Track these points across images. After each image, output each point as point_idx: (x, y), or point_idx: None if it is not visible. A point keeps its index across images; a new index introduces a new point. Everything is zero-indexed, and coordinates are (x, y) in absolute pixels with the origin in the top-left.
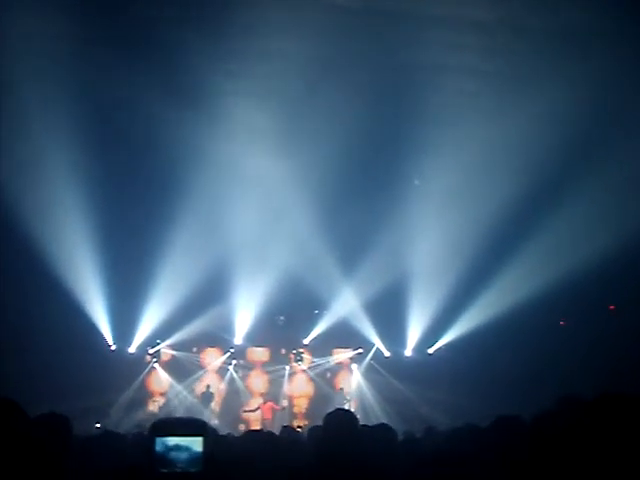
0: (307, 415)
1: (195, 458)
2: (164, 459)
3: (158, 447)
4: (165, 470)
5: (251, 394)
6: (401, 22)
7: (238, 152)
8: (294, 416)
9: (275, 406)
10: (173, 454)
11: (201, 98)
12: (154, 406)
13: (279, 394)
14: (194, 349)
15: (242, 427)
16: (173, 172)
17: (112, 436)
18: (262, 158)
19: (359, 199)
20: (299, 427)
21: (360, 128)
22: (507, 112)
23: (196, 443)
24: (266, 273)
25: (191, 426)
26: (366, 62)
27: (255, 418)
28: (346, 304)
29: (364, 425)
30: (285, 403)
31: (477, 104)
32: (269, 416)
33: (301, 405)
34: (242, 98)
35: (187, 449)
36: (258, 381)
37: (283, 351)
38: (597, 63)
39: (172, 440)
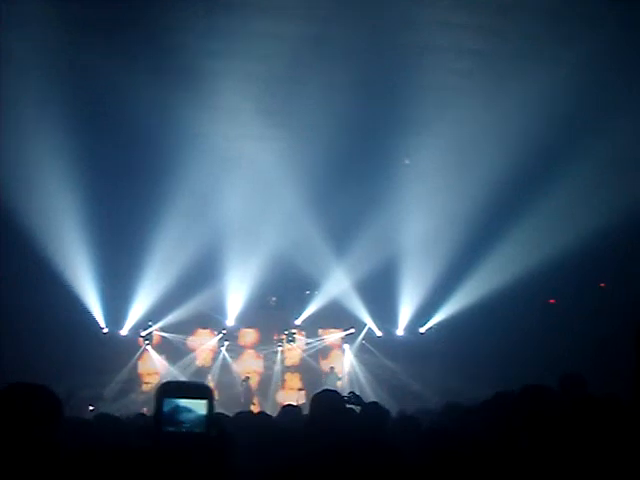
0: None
1: (199, 419)
2: (171, 419)
3: (166, 407)
4: (171, 429)
5: (244, 375)
6: (391, 1)
7: (227, 133)
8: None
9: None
10: (179, 415)
11: (189, 79)
12: (147, 388)
13: (272, 374)
14: (186, 331)
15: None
16: (162, 154)
17: (106, 419)
18: (252, 140)
19: (350, 179)
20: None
21: (350, 108)
22: (500, 92)
23: (201, 406)
24: (257, 254)
25: (197, 389)
26: (356, 42)
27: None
28: (338, 284)
29: (357, 399)
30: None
31: (469, 84)
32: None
33: (294, 386)
34: (230, 79)
35: (192, 411)
36: (251, 362)
37: (275, 332)
38: (592, 44)
39: (179, 402)
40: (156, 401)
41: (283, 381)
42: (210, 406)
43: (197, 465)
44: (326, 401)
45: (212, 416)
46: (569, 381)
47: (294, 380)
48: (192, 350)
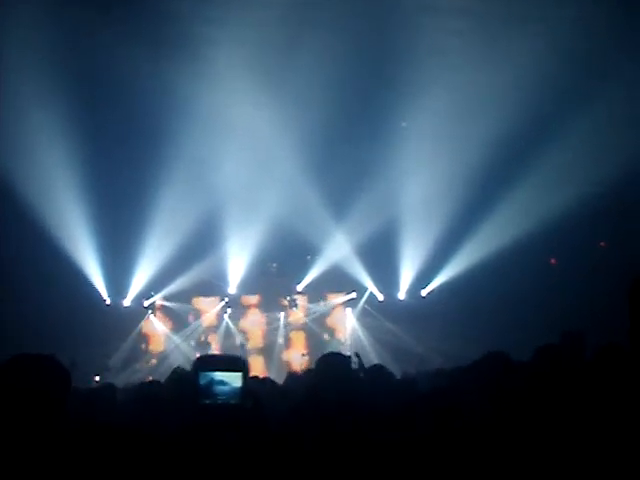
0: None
1: (235, 391)
2: (207, 392)
3: (202, 381)
4: (208, 401)
5: (247, 341)
6: None
7: (225, 101)
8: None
9: None
10: (215, 387)
11: (185, 47)
12: (152, 357)
13: (275, 340)
14: (189, 299)
15: None
16: (160, 122)
17: (111, 389)
18: (249, 107)
19: (348, 144)
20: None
21: (347, 72)
22: (497, 52)
23: (236, 378)
24: (257, 221)
25: (232, 362)
26: (351, 5)
27: (253, 364)
28: (338, 249)
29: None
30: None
31: (466, 45)
32: None
33: (297, 350)
34: (227, 46)
35: (227, 384)
36: (254, 328)
37: (277, 298)
38: (586, 6)
39: (214, 375)
40: (192, 375)
41: (288, 340)
42: (245, 378)
43: (233, 435)
44: (333, 364)
45: (247, 388)
46: (569, 337)
47: (299, 339)
48: (195, 318)
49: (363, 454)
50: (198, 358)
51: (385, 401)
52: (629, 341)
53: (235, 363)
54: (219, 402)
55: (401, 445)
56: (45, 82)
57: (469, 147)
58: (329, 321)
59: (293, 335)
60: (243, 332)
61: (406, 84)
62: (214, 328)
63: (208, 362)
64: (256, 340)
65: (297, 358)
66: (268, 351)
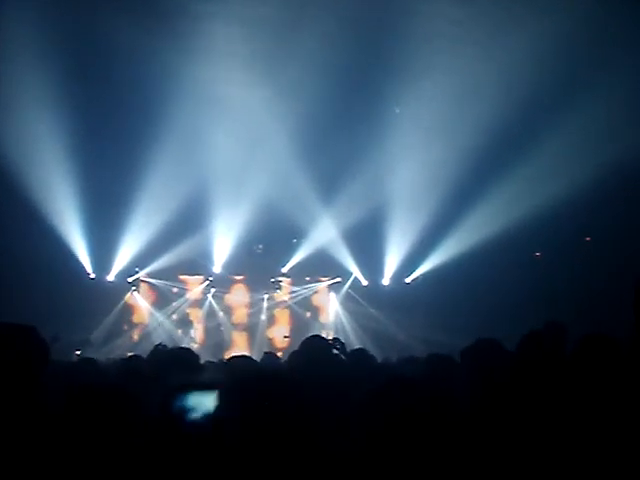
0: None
1: (209, 417)
2: (181, 419)
3: (176, 405)
4: (182, 424)
5: (230, 321)
6: None
7: (216, 79)
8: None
9: None
10: (189, 414)
11: (176, 22)
12: (134, 334)
13: (258, 321)
14: (173, 277)
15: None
16: (149, 98)
17: (92, 362)
18: (241, 86)
19: (339, 127)
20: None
21: (341, 56)
22: (493, 41)
23: (211, 400)
24: (244, 202)
25: (205, 382)
26: None
27: (235, 344)
28: (325, 233)
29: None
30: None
31: (462, 32)
32: None
33: (279, 332)
34: (220, 23)
35: (202, 408)
36: (237, 309)
37: (262, 279)
38: None
39: (190, 399)
40: (167, 398)
41: (272, 317)
42: (220, 398)
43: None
44: (316, 347)
45: (222, 408)
46: (552, 327)
47: (283, 316)
48: (179, 296)
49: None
50: (174, 383)
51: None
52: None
53: (209, 382)
54: (193, 423)
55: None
56: (36, 54)
57: (460, 137)
58: (313, 304)
59: (277, 313)
60: (227, 309)
61: (401, 70)
62: (197, 306)
63: (181, 383)
64: (240, 317)
65: (280, 337)
66: (252, 329)
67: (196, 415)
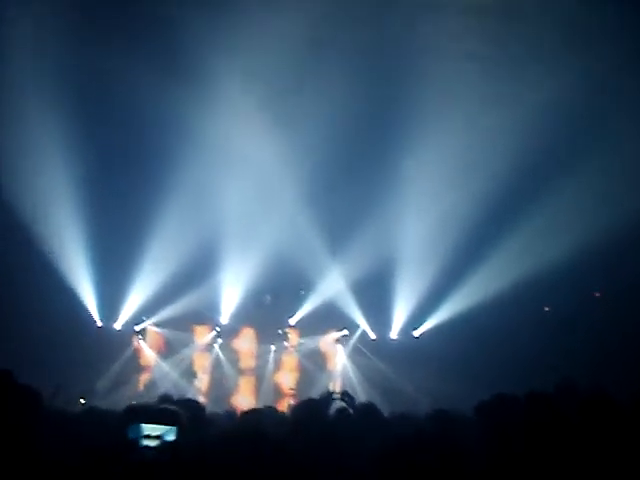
0: (292, 395)
1: (166, 447)
2: (136, 446)
3: (131, 433)
4: (136, 457)
5: (237, 372)
6: (398, 4)
7: (228, 129)
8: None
9: None
10: (144, 442)
11: (191, 74)
12: (140, 383)
13: (265, 373)
14: (180, 327)
15: (229, 404)
16: (161, 148)
17: (96, 413)
18: (252, 136)
19: (349, 180)
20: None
21: (352, 109)
22: (504, 99)
23: (170, 432)
24: (253, 252)
25: (165, 415)
26: (361, 44)
27: (241, 396)
28: (333, 285)
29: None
30: None
31: (473, 90)
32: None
33: (287, 385)
34: (233, 75)
35: (159, 438)
36: (244, 360)
37: (269, 331)
38: (595, 54)
39: (145, 428)
40: (121, 427)
41: (279, 368)
42: (180, 432)
43: None
44: (307, 412)
45: (182, 442)
46: (563, 386)
47: (290, 368)
48: (186, 346)
49: None
50: (128, 408)
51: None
52: None
53: (169, 415)
54: (148, 458)
55: None
56: (50, 102)
57: (470, 189)
58: (320, 357)
59: (284, 364)
60: (234, 360)
61: (411, 125)
62: (204, 356)
63: (139, 413)
64: (246, 368)
65: (286, 388)
66: (258, 380)
67: (155, 443)
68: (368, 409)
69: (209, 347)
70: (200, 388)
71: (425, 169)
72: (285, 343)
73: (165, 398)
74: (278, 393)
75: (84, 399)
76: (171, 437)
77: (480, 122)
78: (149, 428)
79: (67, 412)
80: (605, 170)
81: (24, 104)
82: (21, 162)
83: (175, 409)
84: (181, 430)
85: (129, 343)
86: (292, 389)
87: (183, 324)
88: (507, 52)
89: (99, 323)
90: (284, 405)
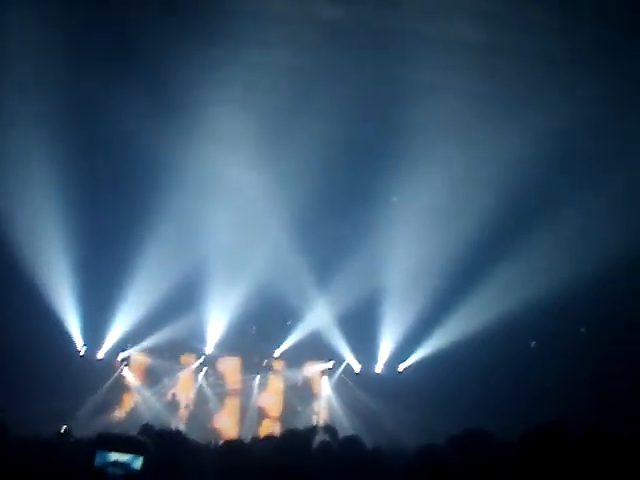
0: (276, 426)
1: (132, 476)
2: (101, 474)
3: (98, 460)
4: None
5: (221, 401)
6: (389, 38)
7: (216, 161)
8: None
9: None
10: (111, 469)
11: (181, 106)
12: (121, 411)
13: (249, 404)
14: (165, 356)
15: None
16: (149, 177)
17: (68, 440)
18: (240, 168)
19: (337, 213)
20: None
21: (341, 142)
22: (491, 133)
23: (136, 461)
24: (240, 282)
25: (133, 443)
26: (350, 77)
27: (224, 426)
28: (319, 317)
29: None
30: None
31: (462, 123)
32: None
33: (271, 415)
34: (222, 107)
35: (125, 466)
36: (228, 390)
37: (254, 361)
38: (586, 85)
39: (112, 455)
40: (88, 453)
41: (259, 411)
42: (147, 462)
43: None
44: (291, 444)
45: (148, 473)
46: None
47: (271, 410)
48: (170, 375)
49: None
50: (98, 435)
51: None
52: None
53: (137, 444)
54: None
55: None
56: (41, 130)
57: (455, 226)
58: (304, 388)
59: (267, 395)
60: (218, 390)
61: (401, 158)
62: (188, 386)
63: (108, 440)
64: (230, 398)
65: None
66: (242, 410)
67: (120, 472)
68: (352, 442)
69: (193, 376)
70: (183, 417)
71: (412, 205)
72: (270, 373)
73: (147, 428)
74: (262, 419)
75: (65, 426)
76: (137, 465)
77: (469, 157)
78: (116, 456)
79: (39, 439)
80: (595, 206)
81: (17, 133)
82: (8, 188)
83: (143, 439)
84: (148, 459)
85: (112, 371)
86: (276, 419)
87: (168, 353)
88: (499, 88)
89: (82, 351)
90: (267, 430)
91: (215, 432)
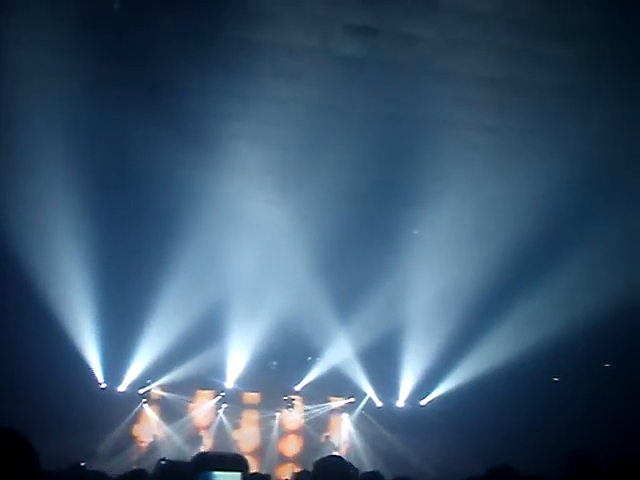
0: (297, 463)
1: None
2: None
3: None
4: None
5: (241, 438)
6: (407, 74)
7: (236, 195)
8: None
9: None
10: None
11: (203, 139)
12: (141, 447)
13: (269, 439)
14: (185, 391)
15: None
16: (169, 211)
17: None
18: (261, 202)
19: (357, 247)
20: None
21: (360, 177)
22: (511, 167)
23: (235, 478)
24: (260, 318)
25: (232, 460)
26: (369, 112)
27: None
28: (340, 352)
29: (354, 471)
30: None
31: (480, 157)
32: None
33: (291, 452)
34: (242, 141)
35: None
36: (248, 426)
37: (274, 396)
38: (601, 122)
39: (213, 475)
40: (192, 474)
41: (279, 446)
42: (244, 478)
43: None
44: (330, 466)
45: None
46: (577, 460)
47: (291, 446)
48: (190, 411)
49: None
50: (197, 457)
51: None
52: None
53: (235, 462)
54: None
55: None
56: (61, 162)
57: (477, 258)
58: (325, 425)
59: (289, 432)
60: (238, 426)
61: (420, 193)
62: (208, 422)
63: (207, 460)
64: (251, 435)
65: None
66: (262, 446)
67: None
68: (373, 478)
69: (213, 411)
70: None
71: (434, 238)
72: (290, 409)
73: (162, 464)
74: (282, 459)
75: (84, 463)
76: None
77: (488, 191)
78: (217, 475)
79: (60, 472)
80: (616, 239)
81: (35, 163)
82: (31, 223)
83: (240, 455)
84: (245, 476)
85: (132, 406)
86: (296, 458)
87: (188, 388)
88: (519, 122)
89: (103, 385)
90: (286, 472)
91: None
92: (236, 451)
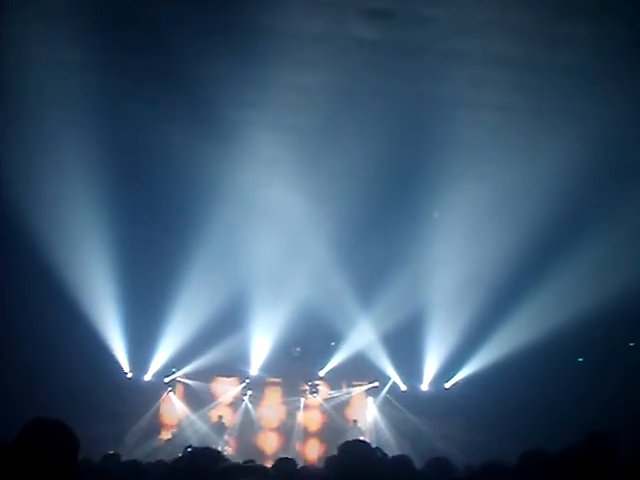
0: (320, 439)
1: None
2: None
3: None
4: None
5: (266, 424)
6: (423, 56)
7: (257, 183)
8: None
9: None
10: None
11: (219, 128)
12: (168, 435)
13: (293, 426)
14: (210, 379)
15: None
16: (191, 202)
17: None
18: (282, 189)
19: (378, 231)
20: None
21: (379, 161)
22: (528, 147)
23: None
24: (283, 304)
25: (254, 472)
26: (386, 95)
27: (270, 448)
28: (363, 337)
29: (383, 455)
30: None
31: (498, 138)
32: None
33: (314, 427)
34: (261, 129)
35: None
36: (273, 412)
37: (299, 382)
38: (619, 101)
39: None
40: None
41: (304, 432)
42: None
43: None
44: (356, 450)
45: None
46: (598, 440)
47: (316, 431)
48: (215, 398)
49: None
50: (221, 469)
51: None
52: None
53: (256, 472)
54: None
55: None
56: (82, 156)
57: (498, 240)
58: (349, 409)
59: (312, 418)
60: (263, 412)
61: (439, 175)
62: (233, 409)
63: (230, 472)
64: (275, 420)
65: (314, 450)
66: (287, 432)
67: None
68: (401, 462)
69: (238, 399)
70: (228, 440)
71: (454, 221)
72: (315, 395)
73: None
74: (307, 440)
75: (112, 451)
76: None
77: (509, 173)
78: None
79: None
80: (637, 221)
81: (58, 160)
82: (54, 217)
83: (262, 466)
84: None
85: (158, 394)
86: (322, 442)
87: (212, 376)
88: (535, 102)
89: (129, 374)
90: (312, 451)
91: (262, 453)
92: (262, 437)
